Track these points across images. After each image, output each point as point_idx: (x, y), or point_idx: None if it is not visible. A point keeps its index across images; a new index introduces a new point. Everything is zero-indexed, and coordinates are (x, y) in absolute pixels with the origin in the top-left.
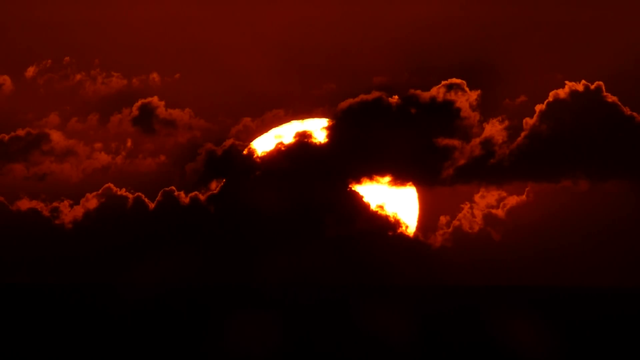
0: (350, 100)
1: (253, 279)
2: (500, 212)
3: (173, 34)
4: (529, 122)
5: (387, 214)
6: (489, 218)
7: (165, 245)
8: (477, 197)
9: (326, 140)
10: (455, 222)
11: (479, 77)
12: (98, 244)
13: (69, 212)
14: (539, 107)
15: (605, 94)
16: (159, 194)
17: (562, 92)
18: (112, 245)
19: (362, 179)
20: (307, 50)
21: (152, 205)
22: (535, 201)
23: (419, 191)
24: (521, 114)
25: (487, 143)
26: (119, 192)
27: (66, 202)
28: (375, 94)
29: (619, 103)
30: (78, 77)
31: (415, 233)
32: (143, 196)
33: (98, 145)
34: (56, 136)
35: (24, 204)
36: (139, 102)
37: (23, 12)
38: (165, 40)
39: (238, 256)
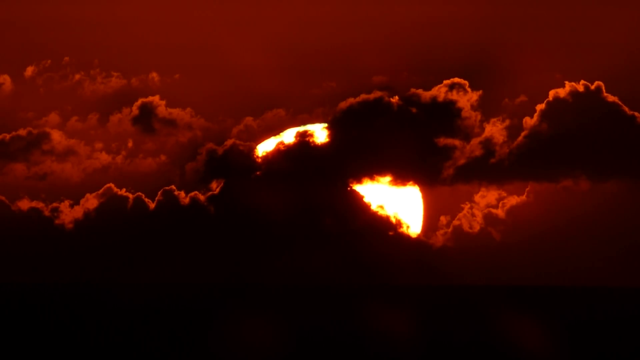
0: (351, 100)
1: (253, 279)
2: (500, 212)
3: (173, 34)
4: (529, 121)
5: (389, 214)
6: (489, 218)
7: (165, 245)
8: (477, 197)
9: (327, 140)
10: (456, 222)
11: (479, 76)
12: (98, 244)
13: (69, 212)
14: (539, 107)
15: (605, 94)
16: (159, 194)
17: (562, 92)
18: (112, 245)
19: (362, 179)
20: (307, 50)
21: (152, 205)
22: (535, 201)
23: (421, 191)
24: (521, 114)
25: (488, 143)
26: (119, 192)
27: (66, 202)
28: (376, 94)
29: (620, 103)
30: (77, 76)
31: (419, 233)
32: (143, 196)
33: (98, 145)
34: (57, 136)
35: (25, 204)
36: (139, 102)
37: (23, 12)
38: (165, 40)
39: (238, 256)
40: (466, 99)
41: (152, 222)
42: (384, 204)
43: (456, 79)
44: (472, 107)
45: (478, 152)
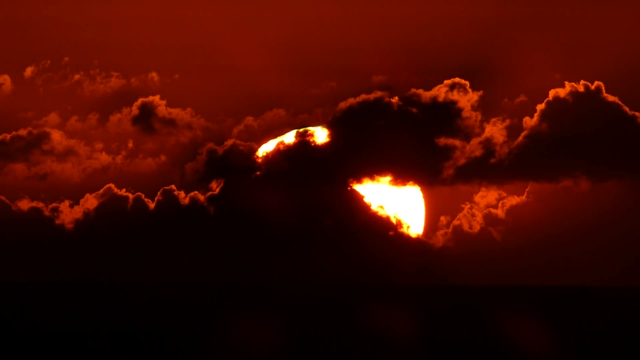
0: (350, 100)
1: (253, 280)
2: (500, 212)
3: (173, 34)
4: (529, 121)
5: (390, 214)
6: (489, 218)
7: (165, 245)
8: (477, 197)
9: (327, 140)
10: (456, 222)
11: (479, 76)
12: (98, 244)
13: (69, 212)
14: (539, 107)
15: (605, 94)
16: (159, 194)
17: (562, 92)
18: (112, 245)
19: (362, 179)
20: (307, 50)
21: (152, 205)
22: (535, 201)
23: (422, 191)
24: (521, 114)
25: (488, 143)
26: (119, 192)
27: (66, 202)
28: (376, 94)
29: (620, 103)
30: (77, 77)
31: (420, 233)
32: (143, 196)
33: (98, 145)
34: (57, 136)
35: (25, 204)
36: (139, 102)
37: (23, 12)
38: (165, 40)
39: (238, 256)
40: (466, 99)
41: (152, 222)
42: (384, 204)
43: (457, 79)
44: (473, 107)
45: (478, 152)
